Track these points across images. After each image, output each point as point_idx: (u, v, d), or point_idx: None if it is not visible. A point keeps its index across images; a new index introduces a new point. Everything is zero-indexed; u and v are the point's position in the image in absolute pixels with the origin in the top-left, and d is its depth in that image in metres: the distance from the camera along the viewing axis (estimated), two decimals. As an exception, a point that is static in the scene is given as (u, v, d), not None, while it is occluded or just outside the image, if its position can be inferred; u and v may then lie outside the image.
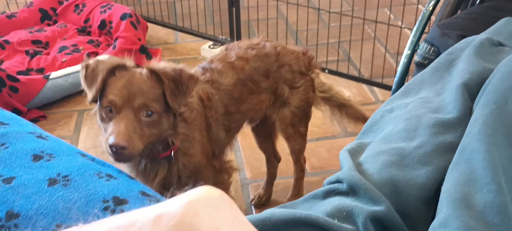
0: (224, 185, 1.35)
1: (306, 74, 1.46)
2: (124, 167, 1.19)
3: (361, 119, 1.61)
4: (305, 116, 1.52)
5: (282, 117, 1.47)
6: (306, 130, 1.55)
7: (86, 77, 1.06)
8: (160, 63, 1.08)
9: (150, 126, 1.04)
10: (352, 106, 1.60)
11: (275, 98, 1.44)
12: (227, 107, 1.32)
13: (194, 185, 1.26)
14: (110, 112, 1.02)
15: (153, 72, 1.05)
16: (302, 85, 1.44)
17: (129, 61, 1.08)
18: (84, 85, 1.08)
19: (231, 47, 1.40)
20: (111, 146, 0.97)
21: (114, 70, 1.05)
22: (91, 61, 1.07)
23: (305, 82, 1.45)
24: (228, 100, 1.32)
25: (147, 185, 1.17)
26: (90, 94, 1.05)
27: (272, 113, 1.47)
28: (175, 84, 1.04)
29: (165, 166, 1.18)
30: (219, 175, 1.34)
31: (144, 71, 1.06)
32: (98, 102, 1.06)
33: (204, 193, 0.44)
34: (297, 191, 1.67)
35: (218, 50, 2.51)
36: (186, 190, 1.33)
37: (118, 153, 0.98)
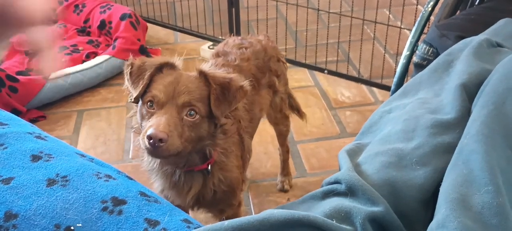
0: (241, 207, 1.33)
1: (281, 60, 1.52)
2: (157, 179, 1.15)
3: (296, 110, 1.73)
4: (286, 98, 1.60)
5: (274, 105, 1.52)
6: (288, 110, 1.65)
7: (131, 74, 1.03)
8: (211, 68, 1.06)
9: (191, 127, 0.99)
10: (292, 96, 1.71)
11: (272, 91, 1.47)
12: (249, 114, 1.30)
13: (227, 203, 1.24)
14: (151, 107, 0.99)
15: (203, 74, 1.02)
16: (282, 72, 1.51)
17: (178, 61, 1.06)
18: (128, 83, 1.04)
19: (221, 52, 1.38)
20: (149, 137, 0.92)
21: (162, 68, 1.02)
22: (137, 59, 1.06)
23: (283, 68, 1.53)
24: (249, 106, 1.31)
25: (180, 198, 1.15)
26: (135, 91, 1.02)
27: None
28: (222, 91, 1.01)
29: (200, 179, 1.13)
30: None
31: (194, 73, 1.04)
32: (140, 102, 1.03)
33: None
34: (287, 171, 1.76)
35: (218, 50, 2.51)
36: (219, 209, 1.28)
37: (155, 145, 0.93)
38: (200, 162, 1.11)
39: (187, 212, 1.38)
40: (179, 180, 1.12)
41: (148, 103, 0.99)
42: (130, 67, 1.04)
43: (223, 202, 1.22)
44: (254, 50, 1.39)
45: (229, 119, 1.11)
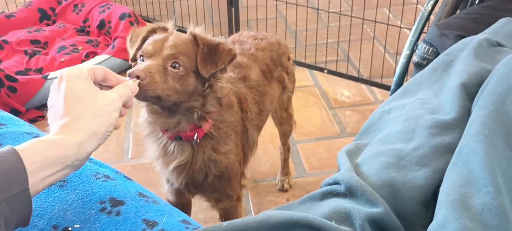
0: (240, 202, 1.33)
1: (291, 59, 1.56)
2: (150, 144, 1.18)
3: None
4: (291, 98, 1.62)
5: (281, 102, 1.54)
6: (292, 110, 1.67)
7: (130, 39, 1.12)
8: (203, 32, 1.10)
9: (175, 78, 1.02)
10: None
11: (282, 86, 1.49)
12: (258, 105, 1.32)
13: (222, 192, 1.24)
14: (142, 61, 1.04)
15: (192, 35, 1.07)
16: (291, 70, 1.54)
17: (171, 26, 1.12)
18: (128, 48, 1.12)
19: (237, 40, 1.42)
20: (128, 74, 0.94)
21: (155, 31, 1.09)
22: (138, 28, 1.14)
23: (292, 67, 1.56)
24: (259, 97, 1.33)
25: (167, 168, 1.16)
26: (131, 51, 1.10)
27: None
28: (208, 51, 1.05)
29: (188, 151, 1.14)
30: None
31: (186, 35, 1.08)
32: (130, 58, 1.10)
33: None
34: (287, 171, 1.77)
35: (217, 50, 2.51)
36: (214, 197, 1.30)
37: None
38: (188, 129, 1.11)
39: (187, 203, 1.38)
40: (168, 148, 1.14)
41: (140, 57, 1.04)
42: (130, 34, 1.13)
43: (218, 190, 1.22)
44: (269, 42, 1.43)
45: (218, 80, 1.11)
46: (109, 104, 0.69)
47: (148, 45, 1.03)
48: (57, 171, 0.62)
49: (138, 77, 0.93)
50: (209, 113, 1.10)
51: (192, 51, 1.05)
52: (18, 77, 2.10)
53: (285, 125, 1.64)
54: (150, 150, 1.19)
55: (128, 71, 0.93)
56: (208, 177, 1.18)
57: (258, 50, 1.36)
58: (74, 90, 0.67)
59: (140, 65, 0.98)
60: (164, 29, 1.09)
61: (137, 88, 0.81)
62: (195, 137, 1.11)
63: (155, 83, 0.97)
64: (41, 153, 0.60)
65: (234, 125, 1.19)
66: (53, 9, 2.88)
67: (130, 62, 1.11)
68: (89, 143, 0.66)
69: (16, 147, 0.59)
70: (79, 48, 2.53)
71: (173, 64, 1.01)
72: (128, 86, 0.75)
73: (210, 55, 1.05)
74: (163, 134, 1.12)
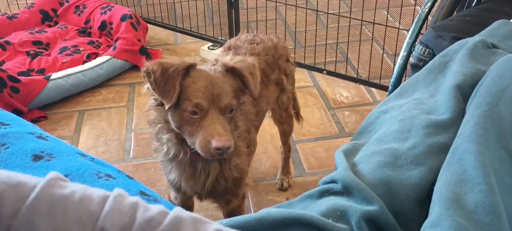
0: (245, 199, 1.35)
1: (290, 61, 1.56)
2: (173, 170, 1.17)
3: (295, 112, 1.75)
4: (292, 98, 1.64)
5: (281, 103, 1.55)
6: (293, 110, 1.69)
7: (156, 82, 1.01)
8: (228, 57, 1.10)
9: (231, 122, 1.07)
10: (296, 100, 1.73)
11: (280, 88, 1.50)
12: (255, 107, 1.34)
13: (234, 193, 1.25)
14: (195, 114, 1.02)
15: (230, 69, 1.06)
16: (290, 71, 1.55)
17: (198, 59, 1.12)
18: (155, 92, 1.03)
19: (233, 45, 1.43)
20: (217, 148, 0.99)
21: (188, 71, 1.04)
22: (153, 65, 1.04)
23: (291, 68, 1.56)
24: (256, 99, 1.34)
25: (197, 187, 1.17)
26: (168, 101, 1.01)
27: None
28: (251, 76, 1.08)
29: (216, 166, 1.15)
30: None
31: (218, 68, 1.07)
32: (169, 106, 1.02)
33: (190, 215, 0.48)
34: (287, 170, 1.78)
35: (218, 51, 2.52)
36: (226, 198, 1.31)
37: (223, 153, 1.01)
38: None
39: (190, 204, 1.39)
40: (197, 168, 1.15)
41: (191, 112, 1.02)
42: (151, 75, 1.02)
43: (231, 192, 1.24)
44: (265, 46, 1.44)
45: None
46: None
47: (200, 100, 1.00)
48: None
49: (228, 148, 0.98)
50: (238, 127, 1.15)
51: (235, 88, 1.07)
52: (20, 78, 2.12)
53: (285, 124, 1.66)
54: (173, 174, 1.18)
55: (217, 146, 0.97)
56: (228, 182, 1.20)
57: (253, 55, 1.37)
58: None
59: (221, 135, 0.99)
60: (193, 66, 1.05)
61: None
62: None
63: (233, 141, 1.01)
64: None
65: (244, 126, 1.23)
66: (55, 11, 2.90)
67: (166, 108, 1.03)
68: None
69: None
70: (81, 49, 2.54)
71: (230, 110, 1.04)
72: None
73: (253, 79, 1.08)
74: (189, 153, 1.10)
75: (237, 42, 1.44)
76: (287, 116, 1.63)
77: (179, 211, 0.49)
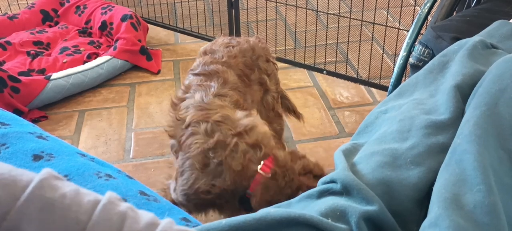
0: None
1: (270, 61, 1.58)
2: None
3: (292, 111, 1.78)
4: (278, 97, 1.65)
5: (266, 104, 1.58)
6: (280, 109, 1.70)
7: None
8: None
9: None
10: (287, 98, 1.75)
11: (264, 89, 1.53)
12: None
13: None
14: None
15: None
16: (272, 71, 1.57)
17: None
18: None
19: (209, 50, 1.46)
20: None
21: None
22: None
23: (273, 68, 1.58)
24: (243, 97, 1.37)
25: None
26: None
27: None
28: None
29: None
30: None
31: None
32: None
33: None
34: None
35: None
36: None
37: None
38: None
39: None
40: None
41: None
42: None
43: None
44: (241, 48, 1.47)
45: None
46: None
47: None
48: None
49: None
50: None
51: None
52: (21, 78, 2.12)
53: (274, 123, 1.67)
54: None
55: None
56: None
57: (231, 57, 1.42)
58: None
59: None
60: None
61: None
62: None
63: None
64: None
65: None
66: (55, 11, 2.90)
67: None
68: None
69: None
70: (81, 49, 2.55)
71: None
72: None
73: None
74: None
75: (213, 46, 1.47)
76: (275, 115, 1.64)
77: (169, 224, 0.49)
